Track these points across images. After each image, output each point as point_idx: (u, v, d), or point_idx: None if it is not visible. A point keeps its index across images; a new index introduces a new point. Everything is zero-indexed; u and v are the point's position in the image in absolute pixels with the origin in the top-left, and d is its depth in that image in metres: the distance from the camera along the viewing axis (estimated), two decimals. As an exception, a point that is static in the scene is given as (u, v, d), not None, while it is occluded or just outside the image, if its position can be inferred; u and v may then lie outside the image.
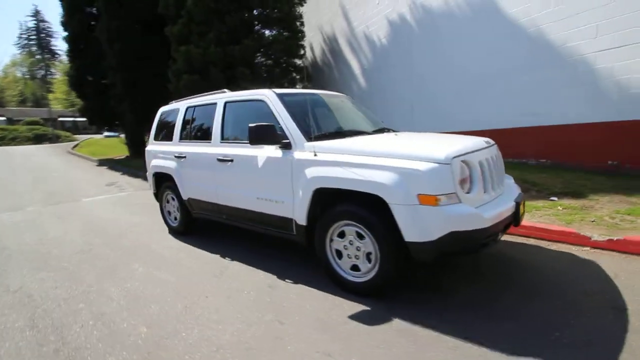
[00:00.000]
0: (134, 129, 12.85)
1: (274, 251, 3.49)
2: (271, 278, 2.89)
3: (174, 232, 4.33)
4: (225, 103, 3.46)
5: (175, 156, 3.94)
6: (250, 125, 2.72)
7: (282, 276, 2.90)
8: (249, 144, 3.08)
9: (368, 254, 2.40)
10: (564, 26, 5.44)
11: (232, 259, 3.35)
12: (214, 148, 3.44)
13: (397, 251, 2.24)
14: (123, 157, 15.25)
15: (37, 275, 3.22)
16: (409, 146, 2.38)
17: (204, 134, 3.69)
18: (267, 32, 9.65)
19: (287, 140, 2.76)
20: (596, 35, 5.07)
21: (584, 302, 2.25)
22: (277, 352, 1.93)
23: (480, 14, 6.70)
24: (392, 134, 3.06)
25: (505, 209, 2.31)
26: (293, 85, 10.85)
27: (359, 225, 2.37)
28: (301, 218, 2.69)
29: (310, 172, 2.56)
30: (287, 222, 2.85)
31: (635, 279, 2.49)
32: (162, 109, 4.53)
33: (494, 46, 6.46)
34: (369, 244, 2.37)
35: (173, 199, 4.24)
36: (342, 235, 2.52)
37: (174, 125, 4.13)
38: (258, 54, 9.54)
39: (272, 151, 2.88)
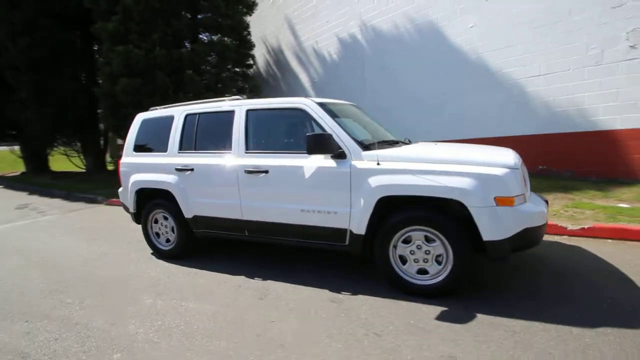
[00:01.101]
0: (39, 140, 10.64)
1: (297, 264, 3.35)
2: (325, 293, 2.76)
3: (165, 256, 3.77)
4: (247, 111, 3.22)
5: (177, 169, 3.47)
6: (309, 134, 2.62)
7: (333, 289, 2.80)
8: (285, 154, 2.98)
9: (437, 257, 2.51)
10: (500, 55, 6.55)
11: (264, 279, 3.09)
12: (238, 159, 3.16)
13: (471, 251, 2.41)
14: (18, 173, 12.48)
15: (14, 327, 2.47)
16: (478, 154, 2.60)
17: (218, 144, 3.35)
18: (215, 39, 9.16)
19: (341, 150, 2.72)
20: (526, 64, 6.23)
21: (601, 278, 2.74)
22: (399, 364, 1.88)
23: (428, 41, 7.57)
24: (431, 144, 3.27)
25: (545, 206, 2.69)
26: (241, 95, 10.47)
27: (430, 230, 2.47)
28: (360, 228, 2.67)
29: (375, 180, 2.57)
30: (339, 233, 2.79)
31: (619, 257, 3.13)
32: (143, 116, 3.95)
33: (443, 69, 7.36)
34: (439, 247, 2.48)
35: (166, 218, 3.71)
36: (406, 241, 2.58)
37: (167, 135, 3.64)
38: (206, 61, 8.97)
39: (321, 161, 2.80)
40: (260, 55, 12.21)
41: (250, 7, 9.75)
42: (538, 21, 5.99)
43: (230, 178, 3.17)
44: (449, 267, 2.46)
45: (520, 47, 6.26)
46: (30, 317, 2.60)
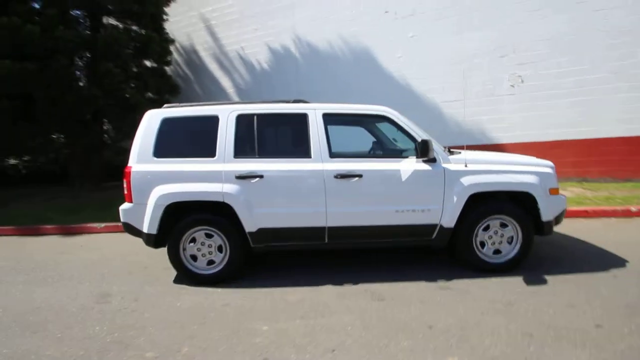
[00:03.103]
0: None
1: (352, 266, 3.48)
2: (426, 284, 3.02)
3: (203, 282, 3.17)
4: (324, 115, 3.18)
5: (238, 177, 3.03)
6: (423, 139, 2.92)
7: (428, 279, 3.08)
8: (377, 159, 3.18)
9: (508, 239, 3.19)
10: (424, 83, 8.12)
11: (354, 283, 3.09)
12: (322, 164, 3.06)
13: (532, 231, 3.19)
14: None
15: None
16: (529, 158, 3.41)
17: (290, 149, 3.15)
18: (135, 28, 7.69)
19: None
20: (443, 92, 7.97)
21: (576, 244, 3.99)
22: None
23: (363, 64, 8.58)
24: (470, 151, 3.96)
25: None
26: (157, 94, 9.00)
27: (506, 217, 3.13)
28: (450, 222, 3.09)
29: (467, 180, 3.06)
30: (429, 228, 3.13)
31: (568, 229, 4.56)
32: (163, 114, 3.23)
33: (377, 90, 8.47)
34: (510, 230, 3.16)
35: (209, 235, 3.14)
36: (486, 228, 3.17)
37: (212, 137, 3.14)
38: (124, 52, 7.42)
39: (414, 164, 3.09)
40: (165, 52, 10.79)
41: (170, -5, 8.65)
42: (450, 59, 7.78)
43: (315, 184, 3.05)
44: (518, 245, 3.17)
45: (438, 78, 7.96)
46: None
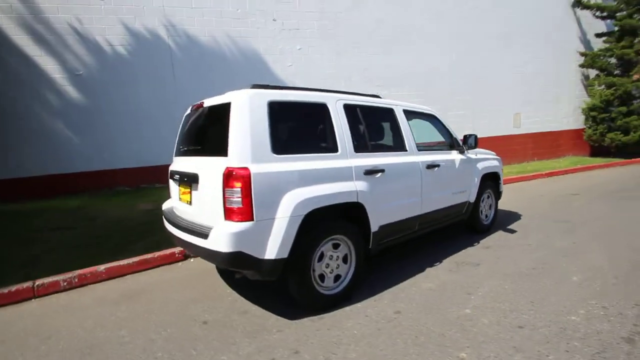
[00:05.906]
0: None
1: (394, 249, 3.95)
2: (474, 249, 3.87)
3: (328, 304, 2.63)
4: (404, 111, 3.40)
5: (366, 172, 2.75)
6: (473, 135, 3.71)
7: (469, 245, 3.95)
8: (442, 151, 3.76)
9: (490, 205, 4.55)
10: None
11: (440, 261, 3.50)
12: (414, 156, 3.29)
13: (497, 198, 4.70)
14: None
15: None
16: (487, 150, 4.84)
17: (389, 142, 3.16)
18: None
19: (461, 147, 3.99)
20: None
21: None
22: None
23: (252, 67, 8.33)
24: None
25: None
26: None
27: (490, 191, 4.47)
28: (473, 198, 4.11)
29: (480, 165, 4.17)
30: (464, 205, 4.02)
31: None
32: (267, 97, 2.47)
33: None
34: (491, 200, 4.53)
35: (336, 246, 2.67)
36: (482, 200, 4.39)
37: (322, 128, 2.74)
38: None
39: (457, 155, 3.87)
40: None
41: None
42: (332, 75, 8.96)
43: (417, 176, 3.24)
44: (494, 210, 4.59)
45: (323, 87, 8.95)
46: None
